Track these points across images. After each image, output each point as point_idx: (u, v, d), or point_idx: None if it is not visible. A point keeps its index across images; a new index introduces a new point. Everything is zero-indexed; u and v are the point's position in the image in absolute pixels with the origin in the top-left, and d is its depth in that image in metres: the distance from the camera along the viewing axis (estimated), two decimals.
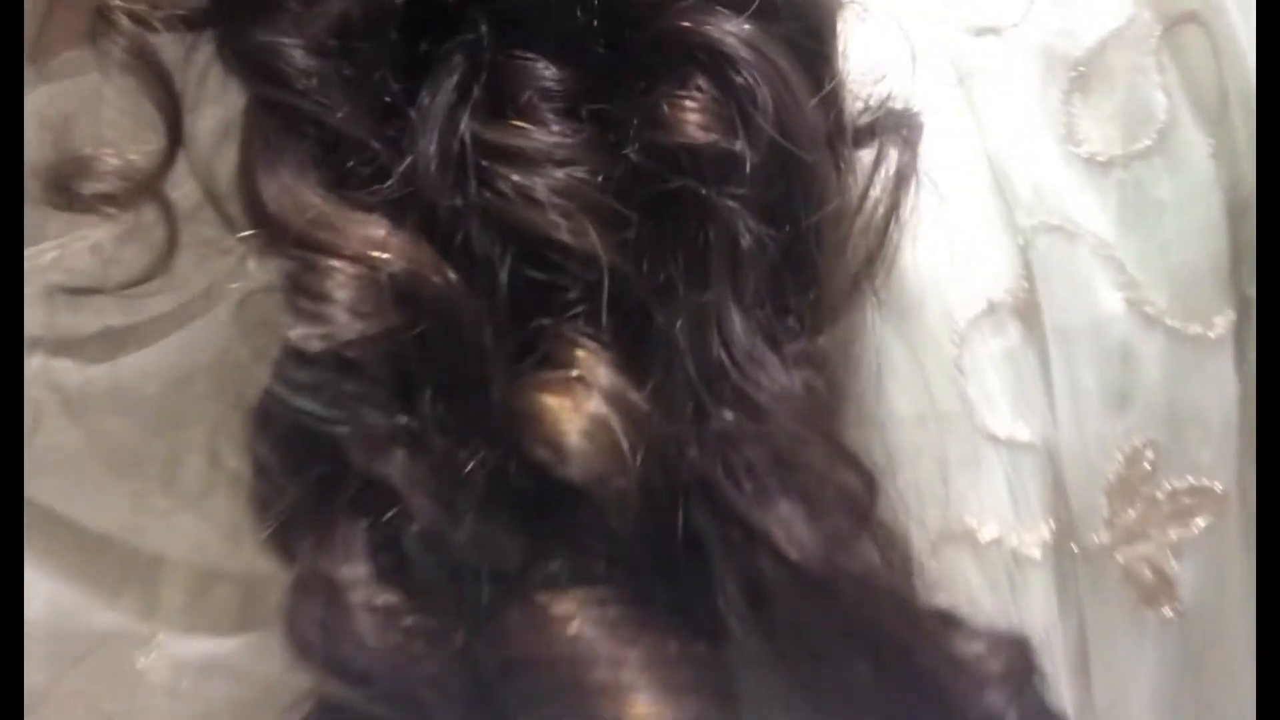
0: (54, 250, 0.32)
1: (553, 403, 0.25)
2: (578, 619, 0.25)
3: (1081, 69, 0.31)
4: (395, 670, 0.25)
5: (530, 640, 0.25)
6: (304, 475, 0.26)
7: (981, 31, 0.32)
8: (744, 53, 0.27)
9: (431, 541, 0.25)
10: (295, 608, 0.26)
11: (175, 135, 0.29)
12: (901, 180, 0.28)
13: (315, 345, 0.25)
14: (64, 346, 0.33)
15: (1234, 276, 0.31)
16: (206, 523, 0.33)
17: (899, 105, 0.29)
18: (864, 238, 0.28)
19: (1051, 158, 0.31)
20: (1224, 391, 0.31)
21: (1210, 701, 0.33)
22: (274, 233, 0.26)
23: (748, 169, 0.26)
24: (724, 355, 0.26)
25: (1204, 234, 0.31)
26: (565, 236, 0.26)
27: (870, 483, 0.27)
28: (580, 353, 0.26)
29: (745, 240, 0.26)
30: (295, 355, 0.26)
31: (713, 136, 0.26)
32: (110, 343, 0.33)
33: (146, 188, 0.29)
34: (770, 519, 0.25)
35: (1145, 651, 0.32)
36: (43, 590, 0.34)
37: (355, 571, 0.26)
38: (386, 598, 0.25)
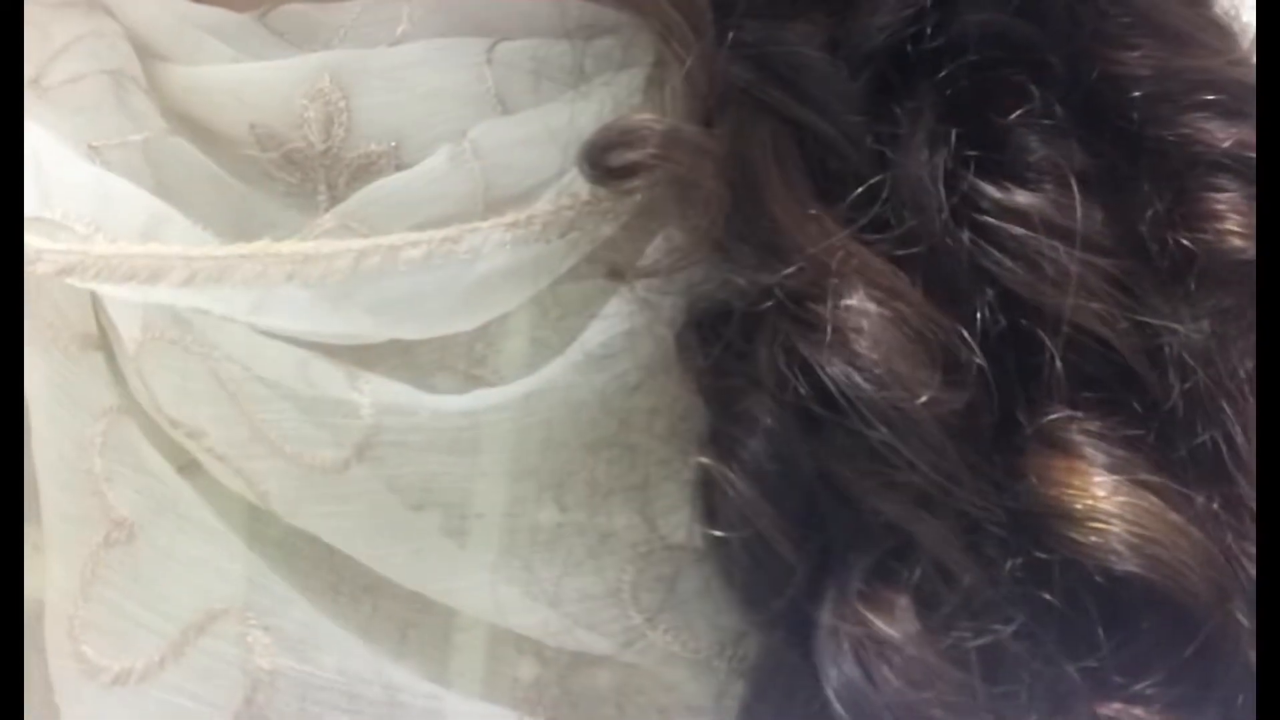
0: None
1: (1095, 481, 0.23)
2: None
3: None
4: None
5: None
6: (811, 535, 0.24)
7: None
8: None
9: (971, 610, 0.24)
10: (827, 660, 0.24)
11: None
12: None
13: (859, 385, 0.23)
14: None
15: None
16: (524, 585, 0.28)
17: None
18: None
19: None
20: None
21: None
22: (783, 256, 0.25)
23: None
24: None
25: None
26: (1064, 311, 0.24)
27: None
28: (1104, 443, 0.24)
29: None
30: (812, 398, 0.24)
31: (1250, 244, 0.24)
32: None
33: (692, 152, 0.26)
34: None
35: None
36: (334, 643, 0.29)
37: (902, 628, 0.24)
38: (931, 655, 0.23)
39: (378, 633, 0.28)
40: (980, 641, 0.23)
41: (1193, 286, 0.25)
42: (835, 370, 0.24)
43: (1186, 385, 0.24)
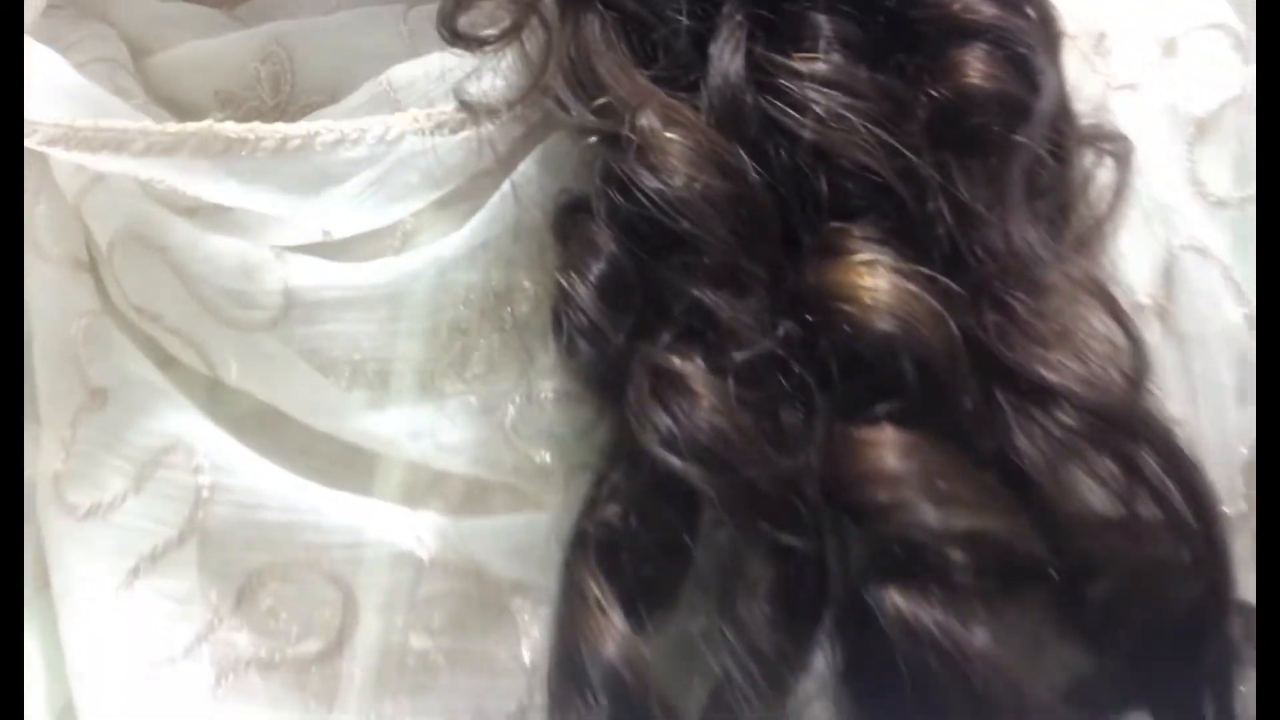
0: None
1: (860, 271, 0.30)
2: (887, 447, 0.28)
3: (1204, 125, 0.37)
4: (730, 450, 0.28)
5: (843, 461, 0.29)
6: (626, 319, 0.30)
7: (1121, 87, 0.37)
8: (1021, 30, 0.33)
9: (752, 376, 0.30)
10: (641, 392, 0.29)
11: None
12: (1118, 190, 0.34)
13: (657, 186, 0.30)
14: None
15: None
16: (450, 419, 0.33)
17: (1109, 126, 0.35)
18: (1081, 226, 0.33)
19: (1184, 194, 0.36)
20: None
21: None
22: (610, 108, 0.31)
23: (1031, 114, 0.31)
24: (1003, 244, 0.30)
25: None
26: (843, 152, 0.31)
27: (1140, 347, 0.31)
28: (868, 244, 0.30)
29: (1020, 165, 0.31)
30: (630, 201, 0.30)
31: (999, 85, 0.31)
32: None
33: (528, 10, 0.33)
34: (1056, 373, 0.29)
35: None
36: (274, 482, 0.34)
37: (693, 368, 0.30)
38: (726, 391, 0.29)
39: (312, 473, 0.33)
40: (749, 370, 0.30)
41: (938, 125, 0.32)
42: (643, 179, 0.30)
43: (931, 204, 0.31)
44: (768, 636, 0.28)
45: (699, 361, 0.30)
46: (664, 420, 0.29)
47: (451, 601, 0.32)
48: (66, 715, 0.33)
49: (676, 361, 0.30)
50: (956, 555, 0.28)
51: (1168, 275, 0.35)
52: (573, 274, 0.31)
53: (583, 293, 0.31)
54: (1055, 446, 0.29)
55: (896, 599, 0.28)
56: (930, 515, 0.28)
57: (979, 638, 0.27)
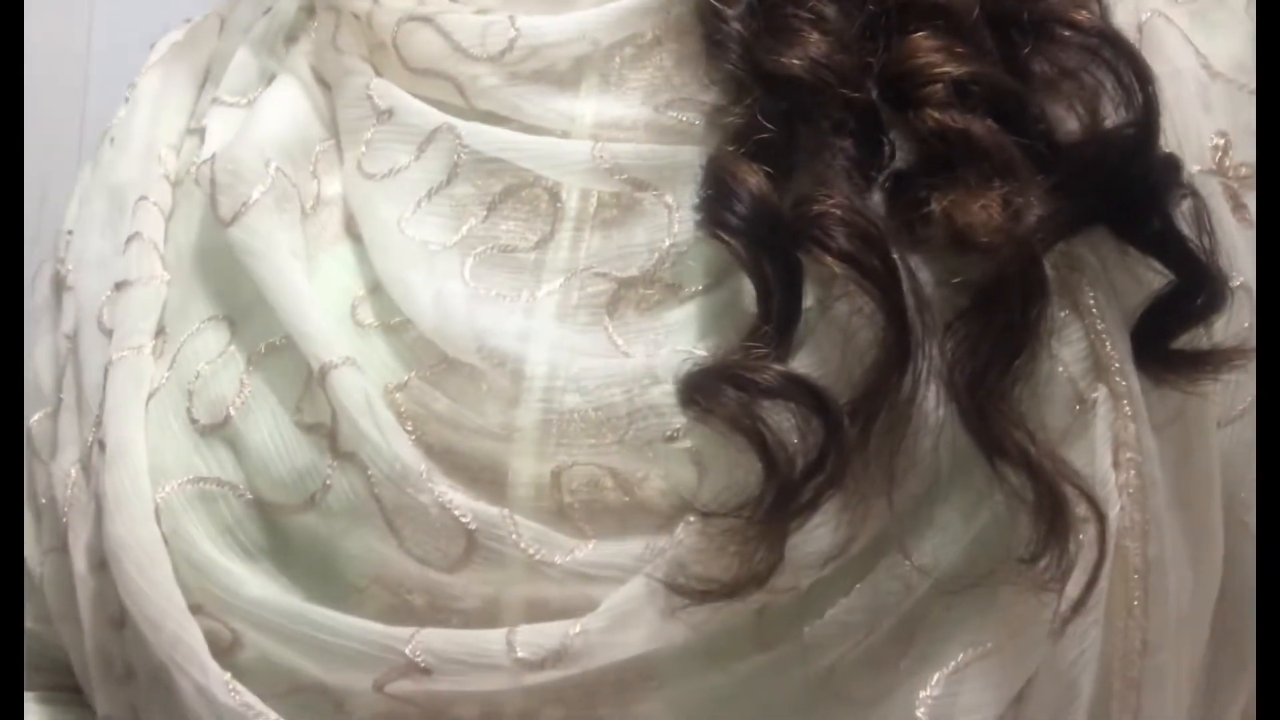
0: None
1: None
2: (925, 38, 0.41)
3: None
4: (829, 59, 0.41)
5: (899, 51, 0.41)
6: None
7: None
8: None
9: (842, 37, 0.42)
10: (767, 37, 0.42)
11: None
12: None
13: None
14: None
15: None
16: None
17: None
18: None
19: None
20: None
21: None
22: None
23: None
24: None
25: None
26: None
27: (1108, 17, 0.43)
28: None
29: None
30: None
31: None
32: None
33: None
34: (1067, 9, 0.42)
35: None
36: None
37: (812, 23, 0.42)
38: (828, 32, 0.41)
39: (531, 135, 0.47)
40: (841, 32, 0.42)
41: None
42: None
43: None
44: (848, 163, 0.40)
45: (807, 23, 0.42)
46: (784, 47, 0.41)
47: (619, 209, 0.44)
48: (376, 289, 0.45)
49: (793, 17, 0.42)
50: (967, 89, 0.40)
51: (1140, 31, 0.44)
52: (723, 3, 0.43)
53: (730, 15, 0.43)
54: (1060, 58, 0.41)
55: (934, 114, 0.39)
56: (948, 69, 0.40)
57: (979, 124, 0.39)
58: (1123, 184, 0.40)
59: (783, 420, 0.38)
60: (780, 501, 0.37)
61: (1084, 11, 0.41)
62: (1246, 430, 0.42)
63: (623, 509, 0.41)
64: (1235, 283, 0.41)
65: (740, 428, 0.38)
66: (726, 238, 0.40)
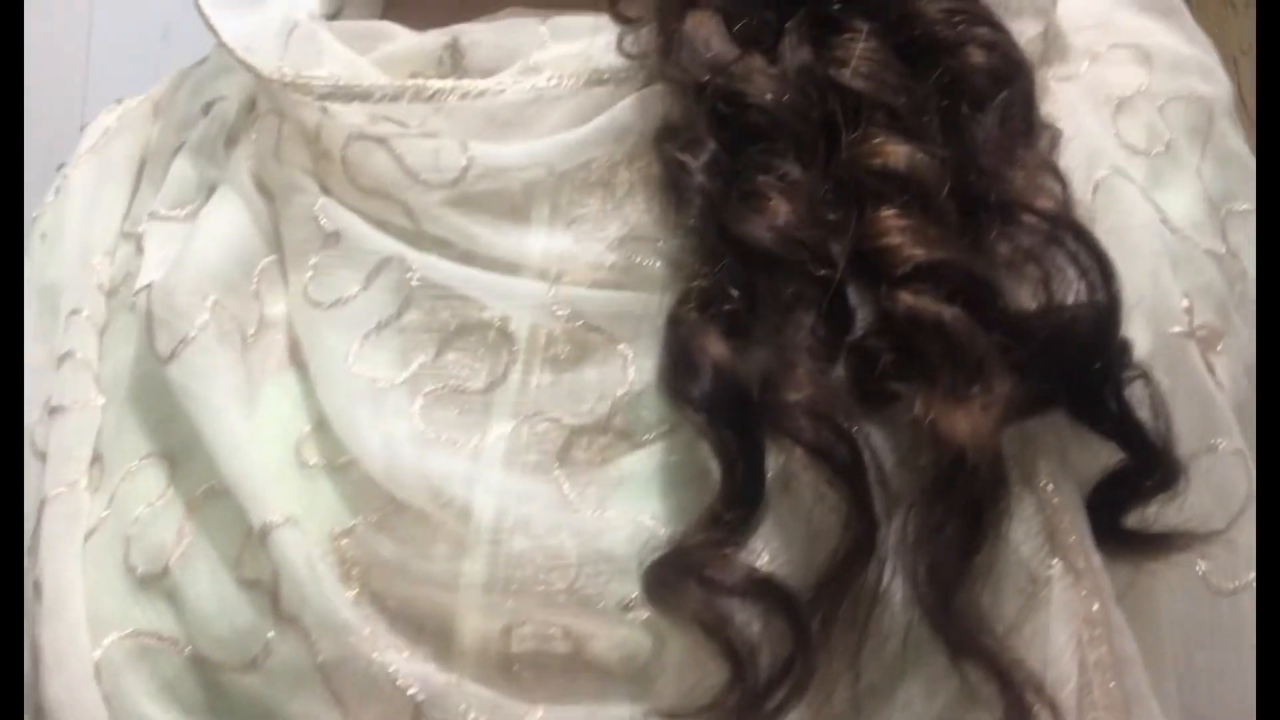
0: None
1: (883, 141, 0.41)
2: (894, 219, 0.41)
3: (1122, 103, 0.49)
4: (794, 229, 0.40)
5: (868, 228, 0.41)
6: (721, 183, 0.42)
7: (1063, 79, 0.49)
8: (1004, 41, 0.44)
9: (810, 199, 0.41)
10: (734, 202, 0.41)
11: None
12: (1053, 137, 0.45)
13: (755, 99, 0.42)
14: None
15: None
16: None
17: None
18: None
19: (1110, 144, 0.47)
20: None
21: None
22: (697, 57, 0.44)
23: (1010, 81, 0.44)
24: (982, 136, 0.42)
25: None
26: (873, 92, 0.42)
27: (1069, 193, 0.42)
28: (888, 134, 0.42)
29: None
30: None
31: (992, 64, 0.44)
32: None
33: None
34: (1023, 194, 0.42)
35: None
36: None
37: (778, 188, 0.41)
38: (794, 199, 0.41)
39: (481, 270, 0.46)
40: (809, 196, 0.41)
41: (948, 81, 0.43)
42: (746, 95, 0.42)
43: (928, 119, 0.43)
44: (812, 337, 0.40)
45: (775, 190, 0.42)
46: (751, 213, 0.41)
47: (573, 347, 0.44)
48: (321, 425, 0.45)
49: (760, 183, 0.41)
50: (938, 275, 0.40)
51: (1096, 189, 0.45)
52: (687, 155, 0.43)
53: (694, 166, 0.42)
54: (1023, 240, 0.41)
55: (906, 299, 0.39)
56: (920, 253, 0.40)
57: (950, 312, 0.39)
58: (1081, 368, 0.40)
59: (748, 615, 0.38)
60: (746, 707, 0.37)
61: (1046, 197, 0.41)
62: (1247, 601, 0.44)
63: (573, 668, 0.40)
64: (1225, 446, 0.44)
65: (705, 626, 0.38)
66: (690, 411, 0.40)
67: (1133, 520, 0.41)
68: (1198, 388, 0.44)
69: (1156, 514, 0.41)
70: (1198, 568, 0.44)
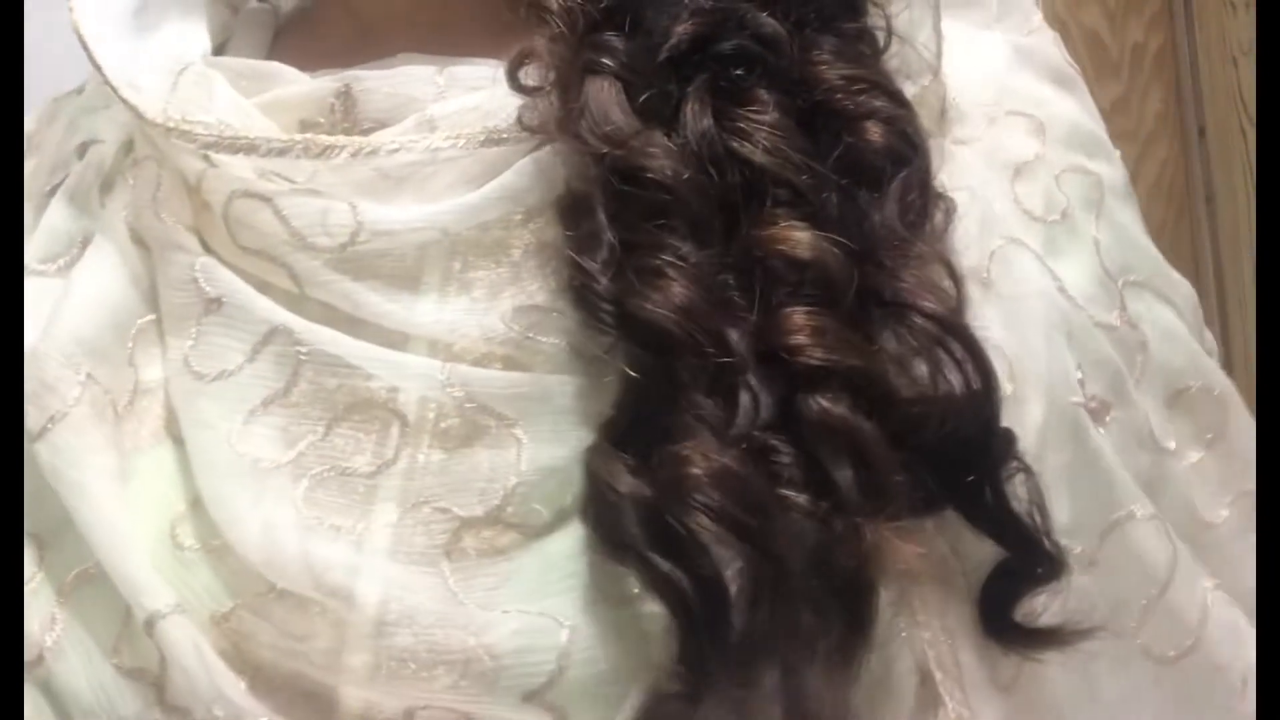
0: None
1: (788, 228, 0.42)
2: (799, 317, 0.42)
3: (1019, 168, 0.51)
4: (694, 311, 0.41)
5: (773, 323, 0.42)
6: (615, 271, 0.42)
7: (959, 142, 0.50)
8: (902, 116, 0.46)
9: (710, 283, 0.42)
10: (632, 282, 0.41)
11: None
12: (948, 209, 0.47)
13: (653, 174, 0.42)
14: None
15: None
16: None
17: None
18: None
19: (1008, 209, 0.49)
20: None
21: None
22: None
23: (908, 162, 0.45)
24: (882, 228, 0.44)
25: None
26: (776, 170, 0.43)
27: (962, 290, 0.44)
28: (792, 219, 0.43)
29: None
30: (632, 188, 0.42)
31: (889, 142, 0.45)
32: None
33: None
34: (914, 295, 0.43)
35: None
36: None
37: (677, 268, 0.42)
38: (693, 280, 0.41)
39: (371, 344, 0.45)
40: (708, 280, 0.42)
41: (847, 160, 0.44)
42: (644, 170, 0.42)
43: (830, 200, 0.44)
44: (706, 423, 0.40)
45: (673, 269, 0.42)
46: (649, 292, 0.41)
47: (465, 425, 0.43)
48: (198, 505, 0.43)
49: (658, 263, 0.41)
50: (847, 380, 0.41)
51: (993, 258, 0.47)
52: (586, 257, 0.42)
53: (594, 270, 0.42)
54: (910, 339, 0.42)
55: (816, 403, 0.40)
56: (831, 358, 0.41)
57: (866, 426, 0.41)
58: (965, 466, 0.41)
59: None
60: None
61: (931, 299, 0.42)
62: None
63: None
64: (1141, 513, 0.45)
65: None
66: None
67: (1040, 607, 0.42)
68: (1097, 458, 0.45)
69: (1066, 599, 0.42)
70: (1136, 640, 0.45)
